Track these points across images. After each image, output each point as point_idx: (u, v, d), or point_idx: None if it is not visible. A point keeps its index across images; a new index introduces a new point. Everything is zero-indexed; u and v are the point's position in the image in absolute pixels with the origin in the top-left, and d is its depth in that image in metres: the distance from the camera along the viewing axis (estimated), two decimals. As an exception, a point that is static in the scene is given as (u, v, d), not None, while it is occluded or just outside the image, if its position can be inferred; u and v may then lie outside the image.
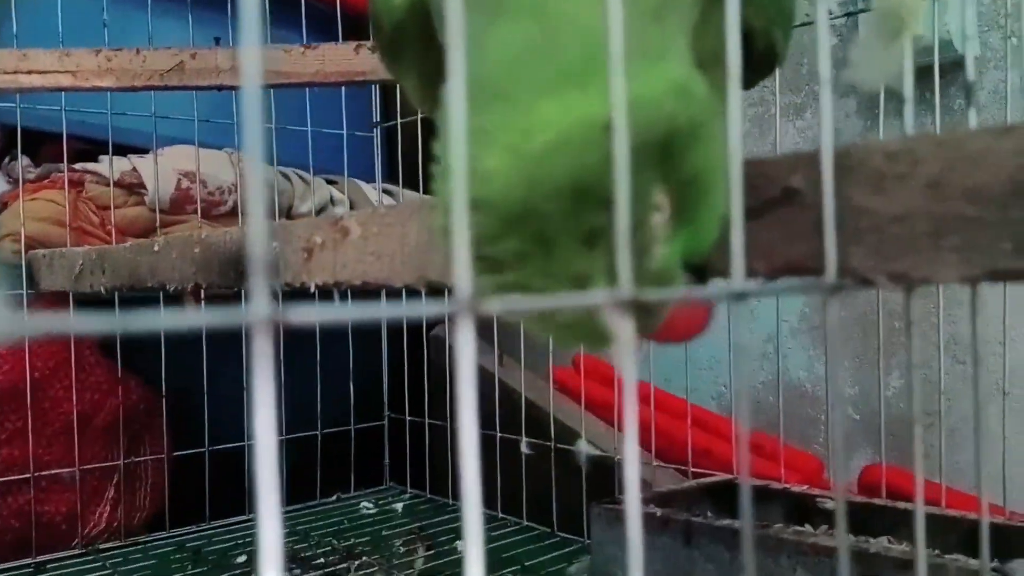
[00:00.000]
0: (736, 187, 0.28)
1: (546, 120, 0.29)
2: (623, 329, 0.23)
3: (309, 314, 0.19)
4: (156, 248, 0.80)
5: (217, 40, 1.06)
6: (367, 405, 1.44)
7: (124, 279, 0.87)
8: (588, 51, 0.30)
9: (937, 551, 0.73)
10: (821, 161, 0.30)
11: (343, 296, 0.73)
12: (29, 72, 0.96)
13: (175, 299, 1.15)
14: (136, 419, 1.20)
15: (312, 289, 0.61)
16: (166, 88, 1.00)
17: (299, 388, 1.29)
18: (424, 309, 0.21)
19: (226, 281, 0.71)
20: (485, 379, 1.29)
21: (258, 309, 0.18)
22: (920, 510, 0.36)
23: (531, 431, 1.17)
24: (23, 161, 1.34)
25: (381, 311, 0.19)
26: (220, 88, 1.01)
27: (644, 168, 0.28)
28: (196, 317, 0.19)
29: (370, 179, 1.48)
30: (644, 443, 1.10)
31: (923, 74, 1.06)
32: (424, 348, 1.40)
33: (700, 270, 0.32)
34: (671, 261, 0.30)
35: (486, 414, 1.25)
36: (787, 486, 0.87)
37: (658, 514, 0.75)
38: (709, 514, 0.76)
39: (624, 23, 0.25)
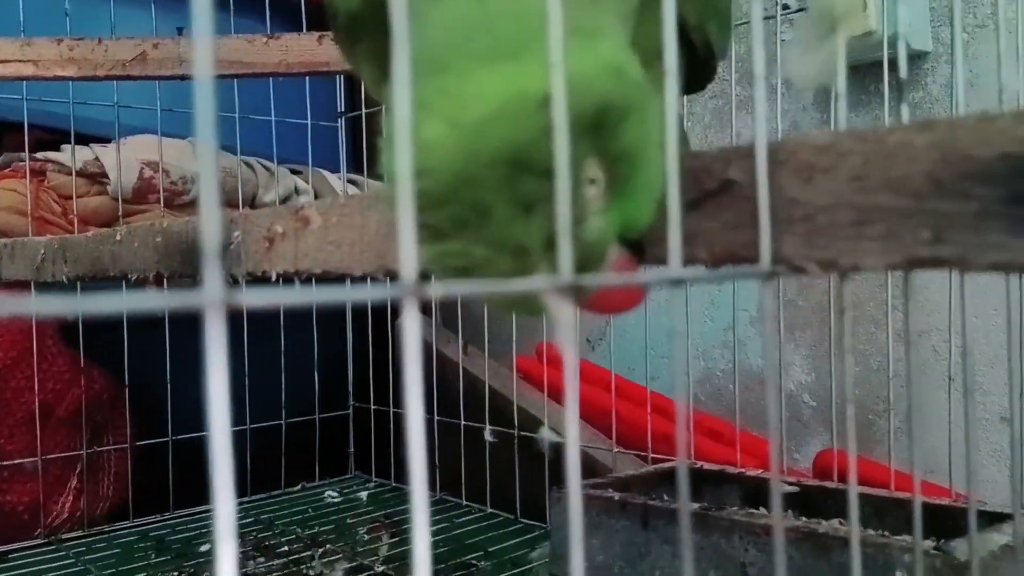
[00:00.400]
0: (672, 178, 0.30)
1: (482, 92, 0.30)
2: (564, 312, 0.25)
3: (259, 297, 0.20)
4: (118, 237, 0.80)
5: (180, 30, 1.06)
6: (331, 394, 1.45)
7: (86, 268, 0.88)
8: (524, 26, 0.31)
9: (884, 531, 0.76)
10: (756, 154, 0.32)
11: (306, 284, 0.73)
12: (-11, 60, 0.96)
13: (138, 288, 1.15)
14: (99, 409, 1.20)
15: (273, 278, 0.62)
16: (128, 78, 1.00)
17: (263, 377, 1.30)
18: (369, 293, 0.22)
19: (188, 269, 0.72)
20: (449, 368, 1.31)
21: (211, 292, 0.19)
22: (853, 490, 0.38)
23: (495, 419, 1.18)
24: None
25: (328, 294, 0.20)
26: (183, 78, 1.01)
27: (577, 141, 0.29)
28: (150, 299, 0.20)
29: (335, 169, 1.49)
30: (605, 430, 1.11)
31: (875, 69, 1.09)
32: (389, 337, 1.40)
33: (636, 245, 0.33)
34: (605, 233, 0.32)
35: (450, 402, 1.26)
36: (743, 470, 0.89)
37: (616, 498, 0.77)
38: (666, 497, 0.78)
39: (560, 2, 0.26)
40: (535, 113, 0.29)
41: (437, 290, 0.23)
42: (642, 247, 0.34)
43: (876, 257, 0.29)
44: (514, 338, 1.20)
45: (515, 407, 1.17)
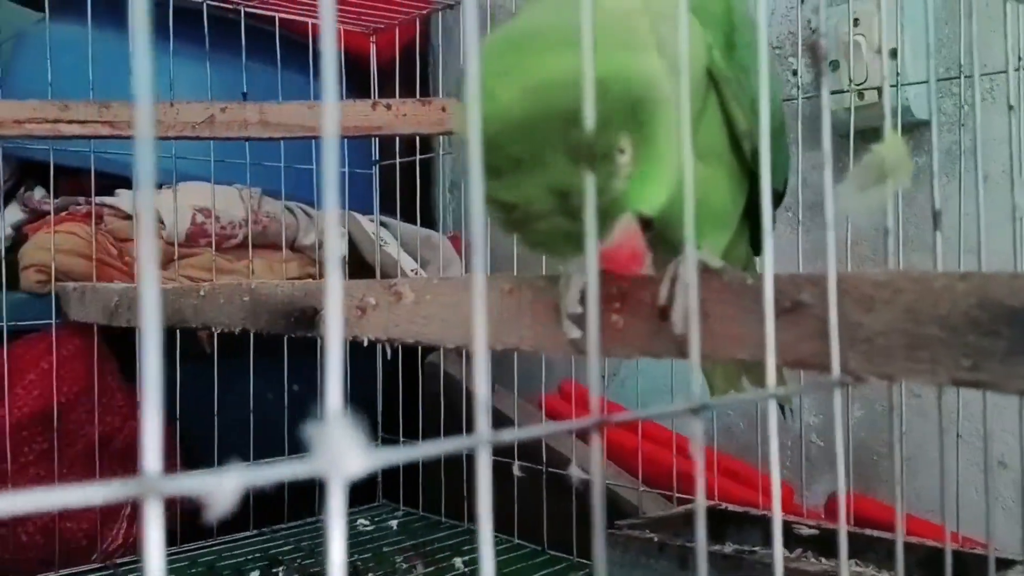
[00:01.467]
0: (768, 308, 0.38)
1: (549, 68, 0.42)
2: (696, 430, 0.33)
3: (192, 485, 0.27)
4: (202, 293, 0.88)
5: (244, 95, 1.14)
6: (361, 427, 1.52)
7: (164, 318, 0.95)
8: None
9: (892, 574, 0.84)
10: (828, 285, 0.40)
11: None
12: (70, 122, 1.04)
13: (191, 335, 1.23)
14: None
15: (365, 343, 0.70)
16: (196, 138, 1.08)
17: (296, 409, 1.37)
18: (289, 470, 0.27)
19: (275, 329, 0.80)
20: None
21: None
22: (843, 530, 0.46)
23: (523, 455, 1.26)
24: (39, 194, 1.41)
25: (253, 476, 0.25)
26: (247, 139, 1.09)
27: (615, 116, 0.42)
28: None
29: (369, 212, 1.57)
30: (631, 469, 1.19)
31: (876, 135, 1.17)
32: (419, 372, 1.48)
33: (646, 221, 0.46)
34: (625, 195, 0.44)
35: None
36: (765, 512, 0.97)
37: (655, 539, 0.85)
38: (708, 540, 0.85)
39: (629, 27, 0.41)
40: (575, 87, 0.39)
41: (373, 460, 0.28)
42: (651, 222, 0.46)
43: (925, 376, 0.38)
44: (543, 379, 1.28)
45: (543, 444, 1.25)
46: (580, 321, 0.51)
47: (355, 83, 1.56)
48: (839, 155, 1.27)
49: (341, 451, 0.24)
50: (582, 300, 0.51)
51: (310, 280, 0.79)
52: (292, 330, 0.77)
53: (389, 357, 0.70)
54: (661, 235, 0.55)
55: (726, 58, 0.54)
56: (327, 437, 0.23)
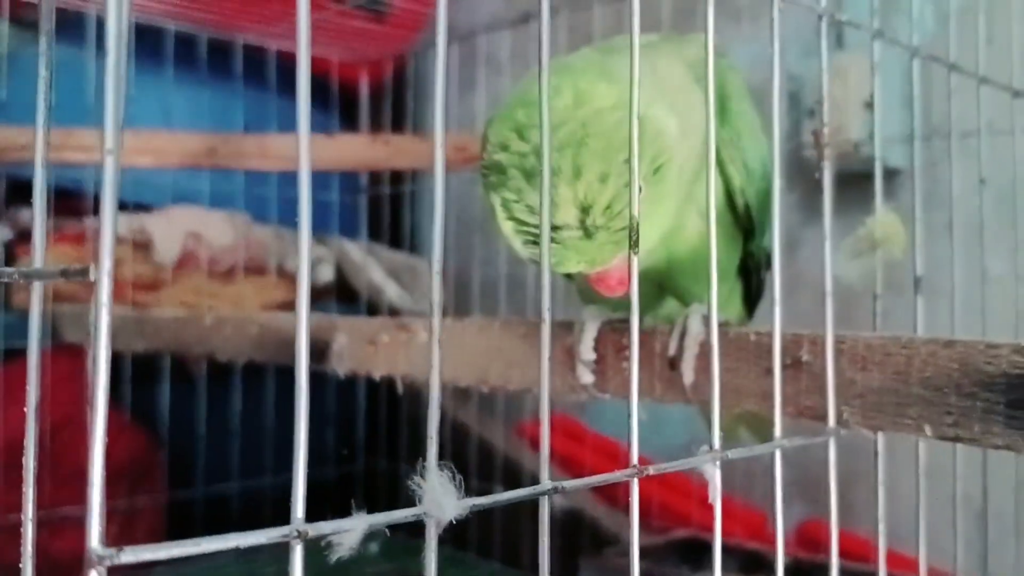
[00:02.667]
0: (777, 364, 0.42)
1: (600, 94, 0.49)
2: (714, 479, 0.37)
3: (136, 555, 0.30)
4: (208, 322, 0.91)
5: (246, 127, 1.17)
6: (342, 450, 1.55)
7: (166, 344, 0.98)
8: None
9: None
10: (826, 346, 0.44)
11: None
12: (74, 148, 1.06)
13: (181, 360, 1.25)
14: (137, 464, 1.29)
15: (377, 378, 0.73)
16: (198, 167, 1.11)
17: (281, 434, 1.40)
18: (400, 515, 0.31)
19: (282, 360, 0.83)
20: (462, 431, 1.42)
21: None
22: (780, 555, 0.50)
23: (504, 480, 1.29)
24: (27, 213, 1.43)
25: (217, 543, 0.28)
26: (247, 170, 1.12)
27: (644, 153, 0.47)
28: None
29: (357, 239, 1.60)
30: (609, 497, 1.23)
31: (861, 180, 1.23)
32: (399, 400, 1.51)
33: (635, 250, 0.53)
34: (644, 229, 0.47)
35: (463, 462, 1.37)
36: (740, 542, 1.01)
37: (644, 568, 0.88)
38: (686, 569, 0.90)
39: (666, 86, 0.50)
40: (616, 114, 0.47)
41: (463, 506, 0.32)
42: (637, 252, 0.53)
43: (912, 430, 0.42)
44: (525, 406, 1.32)
45: (524, 470, 1.29)
46: (593, 367, 0.55)
47: (346, 113, 1.59)
48: (814, 200, 1.33)
49: (439, 499, 0.28)
50: (595, 347, 0.55)
51: (322, 315, 0.83)
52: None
53: (401, 392, 0.73)
54: (668, 286, 0.60)
55: (722, 123, 0.59)
56: (429, 487, 0.28)
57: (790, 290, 0.40)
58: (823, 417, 0.44)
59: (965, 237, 0.65)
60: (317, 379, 1.40)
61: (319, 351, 0.79)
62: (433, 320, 0.32)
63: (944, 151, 1.11)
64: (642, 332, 0.54)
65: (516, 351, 0.62)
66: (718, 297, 0.64)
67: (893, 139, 1.26)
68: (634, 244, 0.39)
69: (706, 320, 0.51)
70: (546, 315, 0.33)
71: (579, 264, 0.48)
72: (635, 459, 0.36)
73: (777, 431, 0.41)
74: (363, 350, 0.73)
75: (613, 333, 0.56)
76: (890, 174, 1.28)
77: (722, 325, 0.51)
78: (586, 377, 0.56)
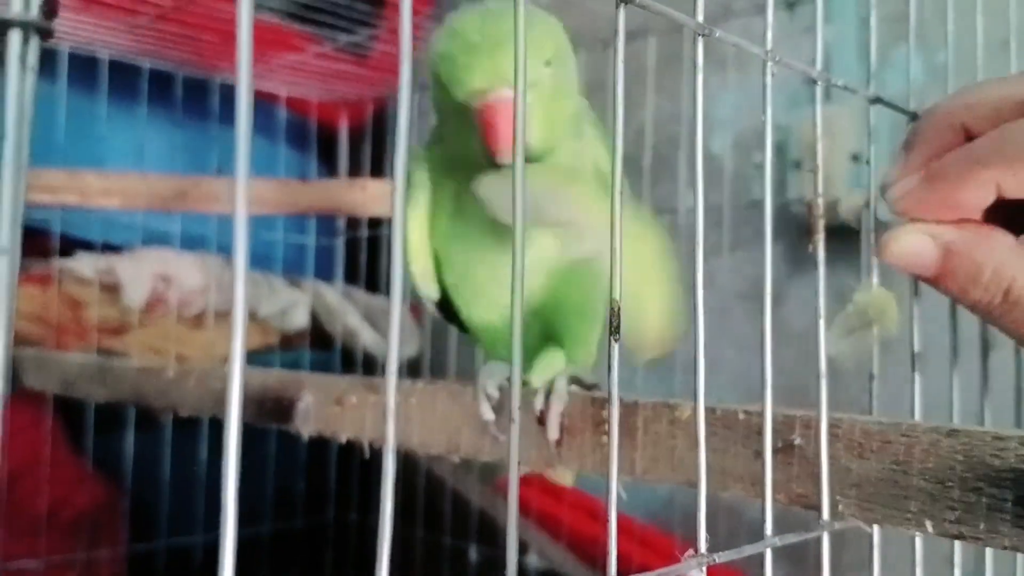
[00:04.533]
0: (767, 452, 0.39)
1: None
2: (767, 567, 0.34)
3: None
4: (170, 374, 0.87)
5: (219, 169, 1.14)
6: (312, 503, 1.51)
7: (126, 395, 0.94)
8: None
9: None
10: (820, 429, 0.41)
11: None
12: (40, 189, 1.03)
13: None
14: (99, 515, 1.24)
15: (343, 440, 0.69)
16: (168, 210, 1.07)
17: (249, 482, 1.35)
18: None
19: (246, 418, 0.79)
20: (437, 486, 1.37)
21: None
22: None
23: (481, 539, 1.25)
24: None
25: None
26: (219, 214, 1.09)
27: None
28: None
29: (333, 282, 1.57)
30: (587, 557, 1.19)
31: (846, 233, 1.21)
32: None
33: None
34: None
35: (437, 518, 1.32)
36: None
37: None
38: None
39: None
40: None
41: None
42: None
43: (911, 525, 0.39)
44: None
45: (498, 527, 1.25)
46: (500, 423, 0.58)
47: (324, 154, 1.56)
48: (799, 252, 1.31)
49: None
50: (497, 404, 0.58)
51: (287, 372, 0.79)
52: (265, 421, 0.76)
53: (367, 456, 0.70)
54: (551, 331, 0.61)
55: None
56: None
57: (775, 344, 0.38)
58: (815, 506, 0.41)
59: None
60: (286, 434, 1.35)
61: (284, 410, 0.75)
62: (388, 389, 0.28)
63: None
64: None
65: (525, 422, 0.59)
66: (594, 343, 0.66)
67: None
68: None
69: (573, 380, 0.57)
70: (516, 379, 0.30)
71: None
72: (703, 545, 0.33)
73: (768, 528, 0.37)
74: (329, 410, 0.70)
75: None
76: (880, 227, 1.26)
77: (591, 387, 0.59)
78: (488, 414, 0.58)
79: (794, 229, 1.30)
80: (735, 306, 1.30)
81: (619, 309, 0.32)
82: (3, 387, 0.21)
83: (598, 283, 0.62)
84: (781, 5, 1.20)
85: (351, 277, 1.58)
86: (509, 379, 0.61)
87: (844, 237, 1.25)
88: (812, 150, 1.26)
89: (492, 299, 0.63)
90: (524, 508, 1.27)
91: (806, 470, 0.42)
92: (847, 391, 0.52)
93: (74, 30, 1.09)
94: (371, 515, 1.44)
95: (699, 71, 0.37)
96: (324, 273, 1.55)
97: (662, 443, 0.49)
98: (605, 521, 1.03)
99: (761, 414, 0.42)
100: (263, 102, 1.47)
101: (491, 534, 1.25)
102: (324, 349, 1.48)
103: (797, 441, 0.43)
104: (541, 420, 0.56)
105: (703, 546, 0.34)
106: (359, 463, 1.48)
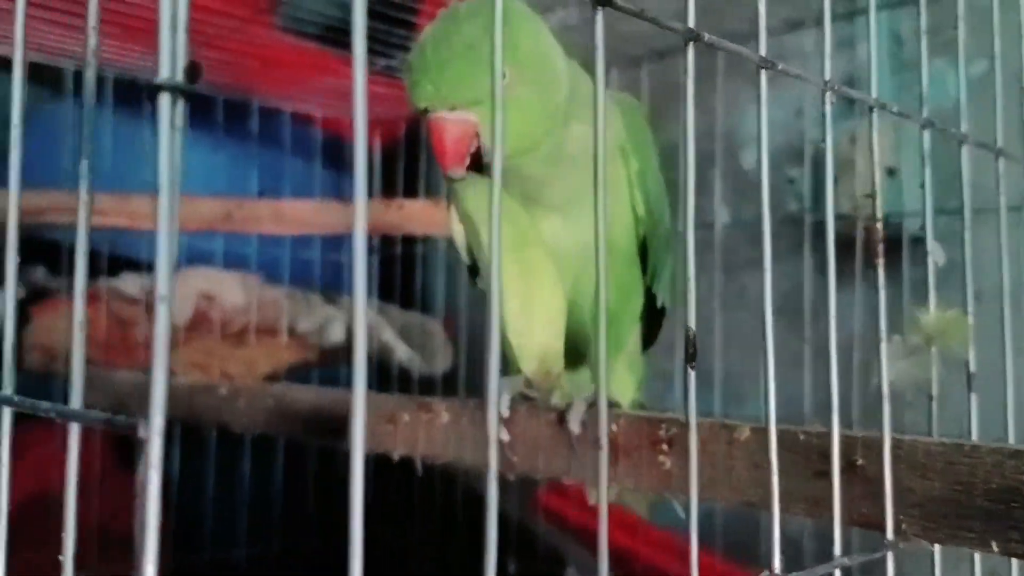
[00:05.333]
0: (835, 472, 0.40)
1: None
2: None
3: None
4: (223, 392, 0.89)
5: (261, 192, 1.16)
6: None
7: (179, 413, 0.96)
8: None
9: None
10: (883, 449, 0.42)
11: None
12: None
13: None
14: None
15: (395, 459, 0.71)
16: (213, 231, 1.10)
17: (291, 499, 1.37)
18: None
19: (297, 435, 0.81)
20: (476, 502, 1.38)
21: None
22: None
23: (518, 554, 1.26)
24: (40, 272, 1.42)
25: None
26: (261, 233, 1.11)
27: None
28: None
29: (368, 298, 1.58)
30: (628, 570, 1.20)
31: (890, 249, 1.21)
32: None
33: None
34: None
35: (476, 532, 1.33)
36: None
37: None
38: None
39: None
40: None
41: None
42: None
43: (974, 544, 0.40)
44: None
45: (540, 542, 1.26)
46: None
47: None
48: (837, 264, 1.31)
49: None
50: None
51: (339, 390, 0.81)
52: (316, 439, 0.78)
53: (420, 473, 0.71)
54: (582, 349, 0.67)
55: (633, 153, 0.66)
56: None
57: (815, 355, 0.39)
58: (878, 526, 0.42)
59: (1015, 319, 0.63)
60: (328, 452, 1.36)
61: (337, 428, 0.77)
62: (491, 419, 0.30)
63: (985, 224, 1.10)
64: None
65: (542, 436, 0.60)
66: (622, 357, 0.70)
67: (915, 206, 1.25)
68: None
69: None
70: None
71: (427, 88, 0.55)
72: (777, 565, 0.34)
73: (837, 548, 0.38)
74: (382, 428, 0.71)
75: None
76: (916, 241, 1.26)
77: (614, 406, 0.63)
78: (503, 435, 0.61)
79: (834, 243, 1.31)
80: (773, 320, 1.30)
81: (694, 337, 0.33)
82: (161, 420, 0.23)
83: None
84: (812, 22, 1.21)
85: (386, 294, 1.60)
86: (520, 395, 0.63)
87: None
88: (848, 165, 1.27)
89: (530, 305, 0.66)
90: (563, 522, 1.28)
91: (868, 490, 0.43)
92: (894, 409, 0.53)
93: (121, 57, 1.11)
94: (405, 530, 1.46)
95: (763, 104, 0.38)
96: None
97: (720, 464, 0.50)
98: (643, 535, 1.04)
99: (821, 435, 0.43)
100: (300, 123, 1.50)
101: (529, 548, 1.26)
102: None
103: (859, 461, 0.44)
104: (561, 420, 0.59)
105: (777, 566, 0.35)
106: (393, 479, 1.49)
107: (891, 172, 1.18)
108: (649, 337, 0.76)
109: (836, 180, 1.25)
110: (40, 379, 1.23)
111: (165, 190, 0.24)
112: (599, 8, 0.33)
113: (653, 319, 0.74)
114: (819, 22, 1.30)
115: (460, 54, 0.54)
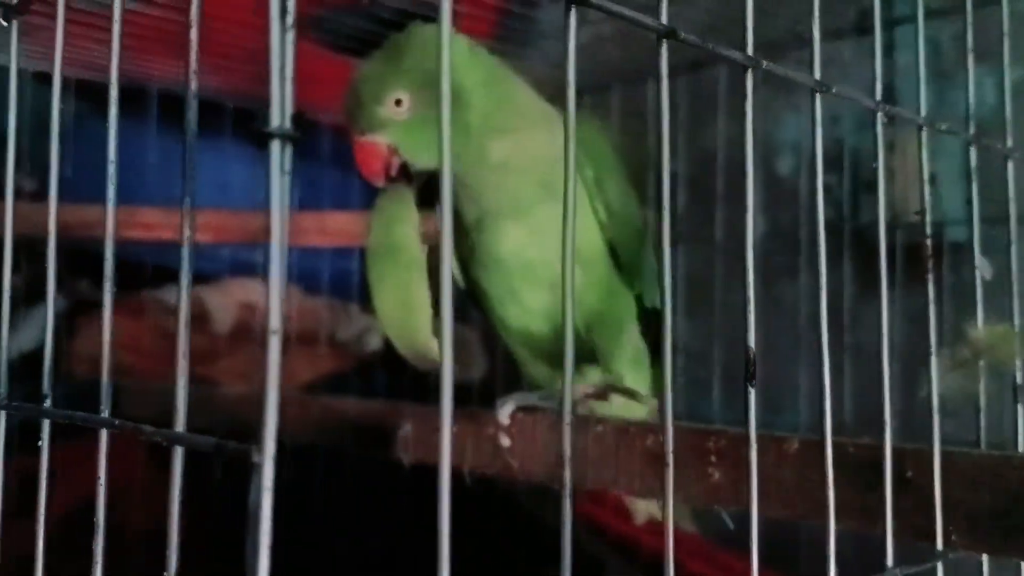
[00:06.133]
0: (888, 484, 0.41)
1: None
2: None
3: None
4: (268, 403, 0.90)
5: (301, 204, 1.18)
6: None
7: (226, 423, 0.97)
8: None
9: None
10: (933, 462, 0.43)
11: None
12: (137, 227, 1.08)
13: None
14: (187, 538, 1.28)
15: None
16: (254, 243, 1.12)
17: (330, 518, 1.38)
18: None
19: (345, 445, 0.82)
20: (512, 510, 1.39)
21: None
22: None
23: (556, 559, 1.27)
24: (84, 283, 1.45)
25: None
26: (303, 247, 1.13)
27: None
28: None
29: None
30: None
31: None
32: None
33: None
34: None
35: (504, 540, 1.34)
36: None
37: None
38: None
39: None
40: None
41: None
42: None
43: (1026, 555, 0.40)
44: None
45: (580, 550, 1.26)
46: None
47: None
48: (870, 273, 1.31)
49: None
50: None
51: (387, 401, 0.82)
52: (365, 448, 0.79)
53: (468, 483, 0.72)
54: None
55: (586, 162, 0.68)
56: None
57: (854, 362, 0.40)
58: (927, 536, 0.43)
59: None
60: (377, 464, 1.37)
61: (385, 438, 0.78)
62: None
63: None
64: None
65: (592, 450, 0.61)
66: (623, 357, 0.70)
67: (956, 214, 1.24)
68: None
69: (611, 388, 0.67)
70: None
71: (346, 116, 0.65)
72: None
73: (889, 560, 0.39)
74: (430, 439, 0.72)
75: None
76: (956, 248, 1.25)
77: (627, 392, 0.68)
78: (504, 441, 0.65)
79: (865, 252, 1.31)
80: (809, 329, 1.30)
81: (755, 356, 0.34)
82: (272, 444, 0.24)
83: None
84: (852, 31, 1.22)
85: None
86: (527, 407, 0.65)
87: (917, 260, 1.25)
88: (887, 174, 1.26)
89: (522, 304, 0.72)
90: (601, 529, 1.29)
91: (918, 502, 0.44)
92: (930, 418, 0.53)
93: (166, 73, 1.14)
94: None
95: (749, 104, 0.39)
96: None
97: (769, 476, 0.50)
98: (681, 543, 1.05)
99: (871, 448, 0.43)
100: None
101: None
102: (398, 374, 1.51)
103: (909, 474, 0.45)
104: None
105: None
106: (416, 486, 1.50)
107: (930, 180, 1.17)
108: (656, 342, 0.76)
109: (875, 188, 1.25)
110: (86, 390, 1.25)
111: (276, 233, 0.25)
112: (572, 7, 0.33)
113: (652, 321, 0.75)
114: (858, 31, 1.30)
115: (359, 87, 0.65)
